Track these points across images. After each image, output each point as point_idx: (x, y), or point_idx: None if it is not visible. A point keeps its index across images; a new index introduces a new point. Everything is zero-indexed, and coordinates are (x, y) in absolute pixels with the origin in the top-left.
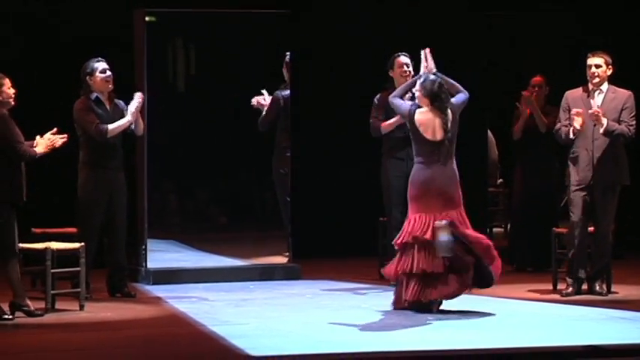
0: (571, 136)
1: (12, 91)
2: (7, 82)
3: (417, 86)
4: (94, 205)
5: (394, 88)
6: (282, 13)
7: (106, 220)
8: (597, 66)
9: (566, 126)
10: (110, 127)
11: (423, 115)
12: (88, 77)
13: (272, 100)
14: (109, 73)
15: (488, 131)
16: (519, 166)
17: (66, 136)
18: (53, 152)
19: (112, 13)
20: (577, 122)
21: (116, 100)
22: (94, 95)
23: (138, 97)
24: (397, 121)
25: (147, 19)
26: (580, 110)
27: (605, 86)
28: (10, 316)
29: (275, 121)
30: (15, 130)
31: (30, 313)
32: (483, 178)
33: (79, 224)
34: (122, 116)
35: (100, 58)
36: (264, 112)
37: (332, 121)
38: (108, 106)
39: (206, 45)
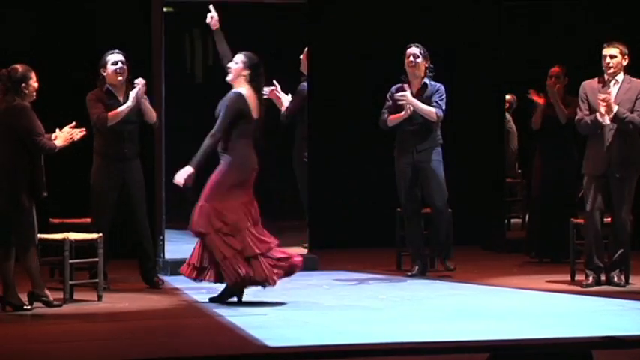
0: (607, 121)
1: (36, 85)
2: (33, 75)
3: (242, 57)
4: (104, 194)
5: (408, 81)
6: (300, 4)
7: (127, 212)
8: (612, 56)
9: (589, 115)
10: (110, 114)
11: (249, 92)
12: (102, 69)
13: (297, 93)
14: (120, 64)
15: (511, 121)
16: (538, 156)
17: (84, 129)
18: (72, 142)
19: (130, 3)
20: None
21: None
22: (106, 87)
23: (138, 83)
24: (404, 115)
25: (165, 9)
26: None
27: (620, 76)
28: (29, 307)
29: (297, 113)
30: (36, 123)
31: (48, 304)
32: (501, 169)
33: (92, 213)
34: (137, 107)
35: (115, 50)
36: (286, 105)
37: (350, 111)
38: (121, 98)
39: (224, 36)
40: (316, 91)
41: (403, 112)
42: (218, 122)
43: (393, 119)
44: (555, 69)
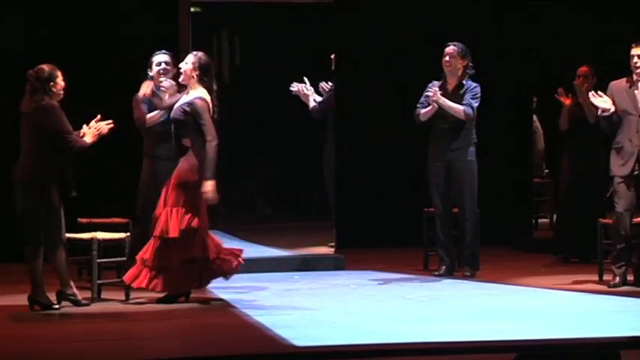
0: (600, 112)
1: (63, 84)
2: (59, 74)
3: (192, 58)
4: (149, 194)
5: (445, 79)
6: (326, 4)
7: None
8: None
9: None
10: (147, 116)
11: (206, 93)
12: (149, 69)
13: (329, 90)
14: (164, 65)
15: (537, 121)
16: (566, 156)
17: (111, 121)
18: (100, 142)
19: (158, 4)
20: (600, 102)
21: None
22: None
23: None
24: (431, 109)
25: (192, 9)
26: (600, 93)
27: None
28: (57, 306)
29: (328, 112)
30: (65, 122)
31: (76, 303)
32: (529, 169)
33: (137, 212)
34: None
35: (162, 51)
36: (316, 102)
37: (377, 110)
38: (166, 97)
39: (251, 36)
40: (344, 91)
41: (430, 107)
42: (206, 129)
43: (425, 113)
44: (584, 69)
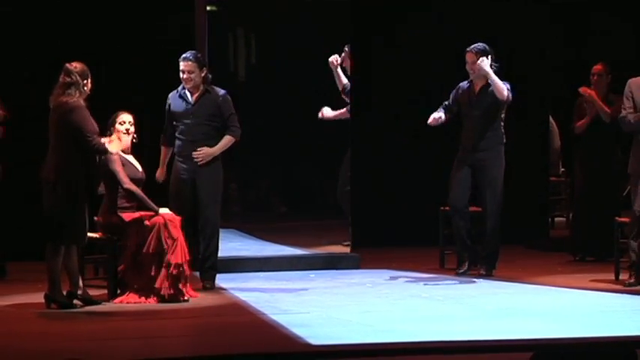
0: (631, 120)
1: (90, 85)
2: (89, 75)
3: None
4: (176, 195)
5: (471, 80)
6: (343, 1)
7: (198, 212)
8: None
9: (632, 113)
10: None
11: None
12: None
13: (347, 92)
14: (186, 75)
15: (552, 120)
16: (581, 154)
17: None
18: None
19: (174, 2)
20: None
21: (216, 91)
22: (179, 89)
23: None
24: (440, 119)
25: (208, 7)
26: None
27: None
28: (75, 304)
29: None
30: (90, 122)
31: (87, 301)
32: (545, 167)
33: None
34: (208, 108)
35: (185, 55)
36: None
37: (393, 108)
38: (191, 99)
39: (267, 33)
40: (359, 90)
41: (439, 116)
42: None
43: (431, 121)
44: (598, 67)
